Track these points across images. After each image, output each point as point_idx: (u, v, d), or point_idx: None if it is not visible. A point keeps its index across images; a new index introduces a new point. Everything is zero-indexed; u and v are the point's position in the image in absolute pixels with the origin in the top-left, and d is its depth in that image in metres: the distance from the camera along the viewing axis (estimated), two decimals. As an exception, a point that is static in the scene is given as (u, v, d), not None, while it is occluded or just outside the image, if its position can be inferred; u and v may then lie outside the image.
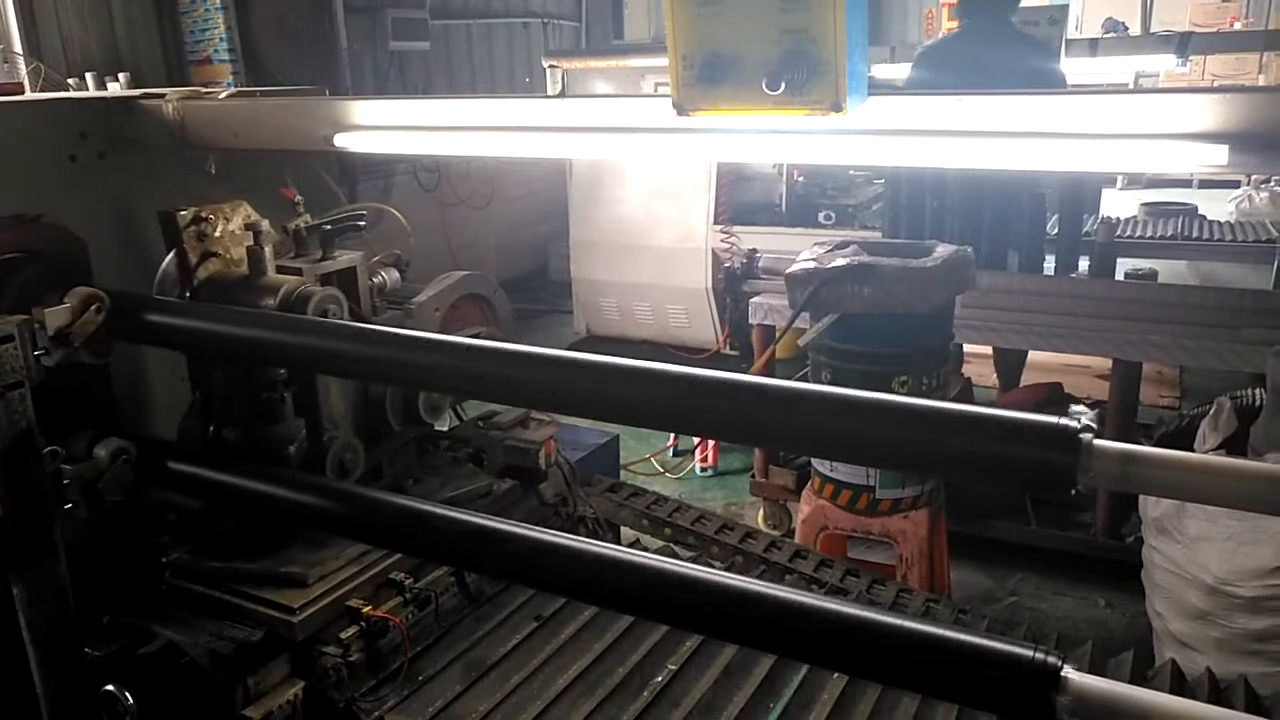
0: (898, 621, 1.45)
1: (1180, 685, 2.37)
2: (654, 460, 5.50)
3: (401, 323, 2.53)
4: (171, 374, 2.49)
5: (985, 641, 1.38)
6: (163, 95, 2.51)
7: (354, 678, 2.14)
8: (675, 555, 2.73)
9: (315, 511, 2.05)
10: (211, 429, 2.41)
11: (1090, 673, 1.32)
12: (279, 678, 2.12)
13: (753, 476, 4.79)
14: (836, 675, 2.24)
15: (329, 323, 2.20)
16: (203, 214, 2.39)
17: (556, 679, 2.22)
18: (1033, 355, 5.30)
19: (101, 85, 5.42)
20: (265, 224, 2.40)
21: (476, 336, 2.03)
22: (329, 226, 2.48)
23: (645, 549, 2.55)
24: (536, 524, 1.89)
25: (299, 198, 2.53)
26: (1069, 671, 1.30)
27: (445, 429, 2.88)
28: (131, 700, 2.07)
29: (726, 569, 2.38)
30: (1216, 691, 2.37)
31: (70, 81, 5.75)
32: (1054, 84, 4.65)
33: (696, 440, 5.46)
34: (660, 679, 2.24)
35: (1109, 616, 3.99)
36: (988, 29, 4.79)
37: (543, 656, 2.29)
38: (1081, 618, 3.99)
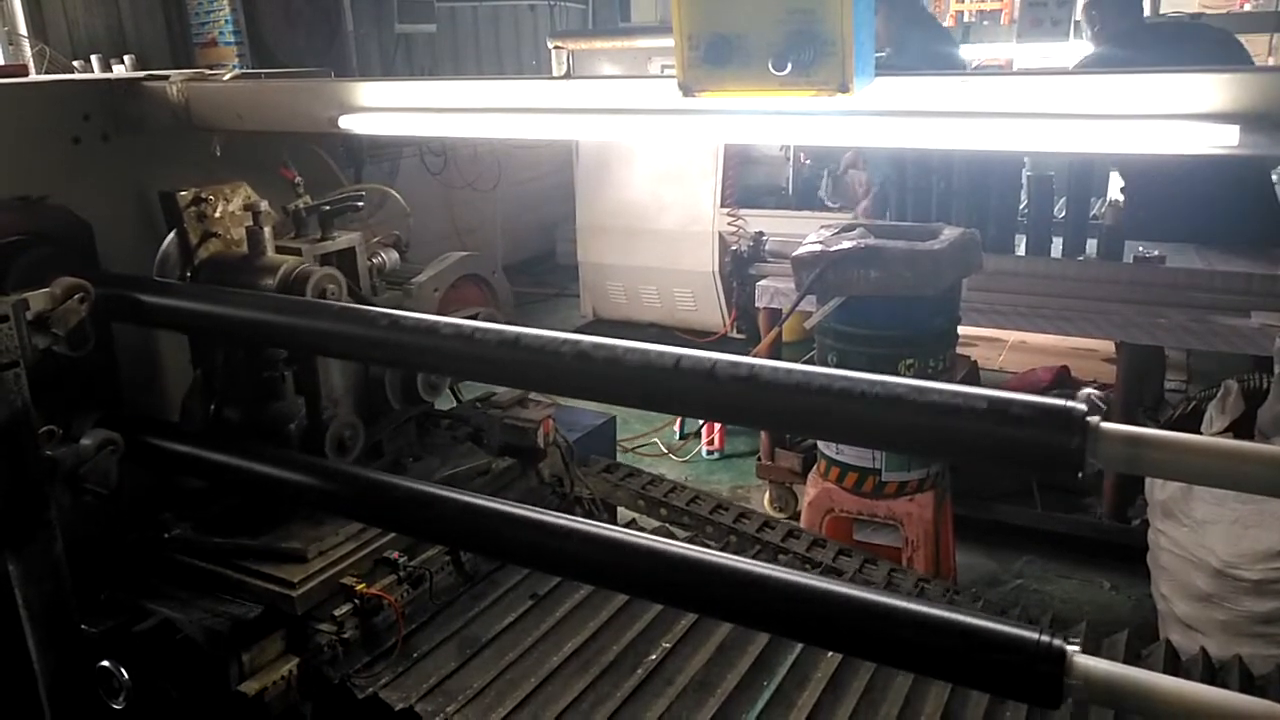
0: (905, 604, 1.45)
1: (1175, 664, 2.38)
2: (660, 443, 5.51)
3: (400, 303, 2.53)
4: (181, 353, 2.50)
5: (992, 624, 1.38)
6: (167, 77, 2.50)
7: (348, 654, 2.16)
8: (671, 536, 2.74)
9: (313, 492, 2.06)
10: (213, 407, 2.42)
11: (1085, 653, 1.33)
12: (274, 654, 2.13)
13: (759, 459, 4.79)
14: (830, 654, 2.25)
15: (325, 304, 2.21)
16: (203, 195, 2.40)
17: (551, 656, 2.24)
18: (1040, 338, 5.29)
19: (107, 67, 5.42)
20: (264, 205, 2.40)
21: (475, 317, 2.03)
22: (328, 207, 2.49)
23: (642, 529, 2.56)
24: (534, 503, 1.90)
25: (298, 178, 2.53)
26: (1075, 654, 1.30)
27: (445, 409, 2.89)
28: (127, 676, 2.09)
29: (721, 549, 2.39)
30: (1211, 670, 2.38)
31: (75, 64, 5.76)
32: (954, 66, 4.86)
33: (703, 423, 5.46)
34: (654, 657, 2.25)
35: (1114, 599, 3.99)
36: (897, 5, 5.01)
37: (537, 634, 2.31)
38: (1086, 600, 3.99)
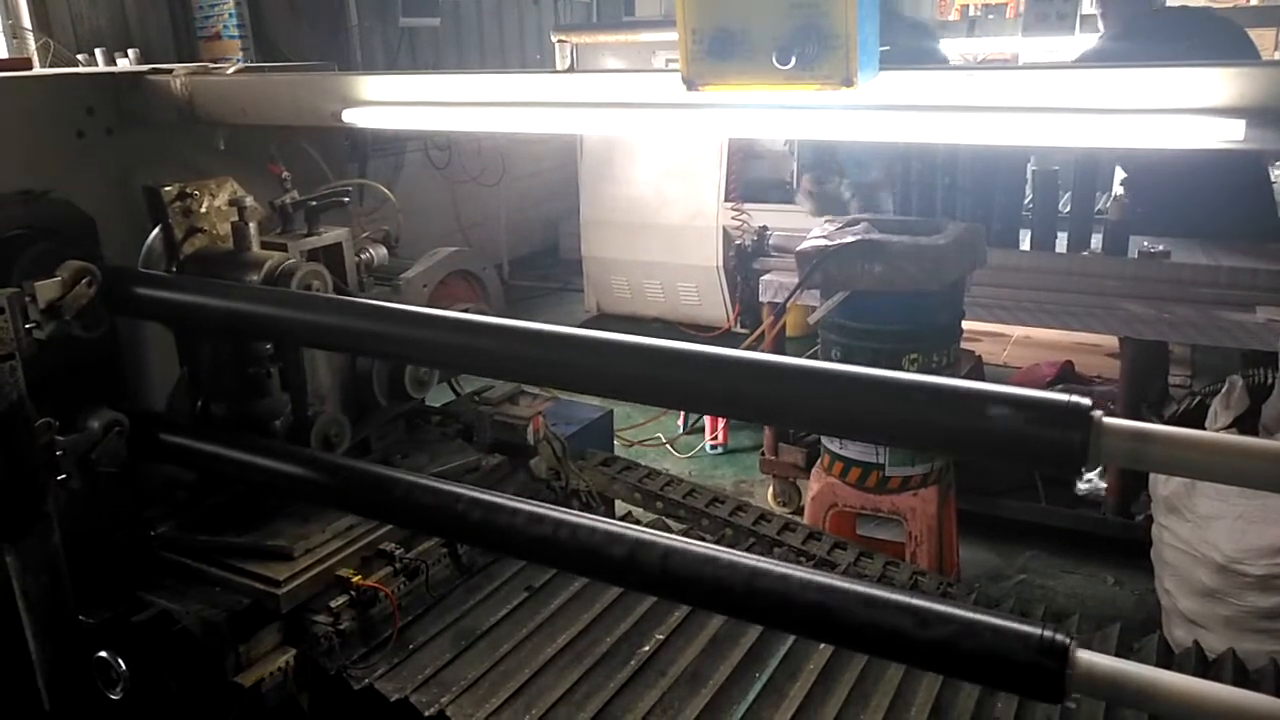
0: (906, 599, 1.45)
1: (1168, 658, 2.39)
2: (663, 438, 5.51)
3: (389, 299, 2.54)
4: (169, 349, 2.50)
5: (995, 619, 1.38)
6: (170, 71, 2.50)
7: (345, 646, 2.17)
8: (667, 529, 2.75)
9: (304, 483, 2.08)
10: (199, 404, 2.42)
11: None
12: (270, 645, 2.14)
13: (762, 454, 4.79)
14: (822, 646, 2.26)
15: (314, 295, 2.22)
16: (188, 190, 2.40)
17: (545, 647, 2.25)
18: (1044, 333, 5.28)
19: (111, 61, 5.42)
20: (250, 200, 2.40)
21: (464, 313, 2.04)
22: (314, 203, 2.49)
23: (638, 522, 2.57)
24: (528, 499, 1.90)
25: (286, 174, 2.53)
26: (1078, 649, 1.30)
27: (439, 404, 2.89)
28: (124, 667, 2.10)
29: (717, 542, 2.40)
30: (1204, 664, 2.38)
31: (79, 57, 5.75)
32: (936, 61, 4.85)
33: (707, 418, 5.46)
34: (648, 648, 2.27)
35: (1118, 594, 3.99)
36: None
37: (532, 626, 2.32)
38: (1090, 595, 3.99)
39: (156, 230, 2.39)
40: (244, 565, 2.20)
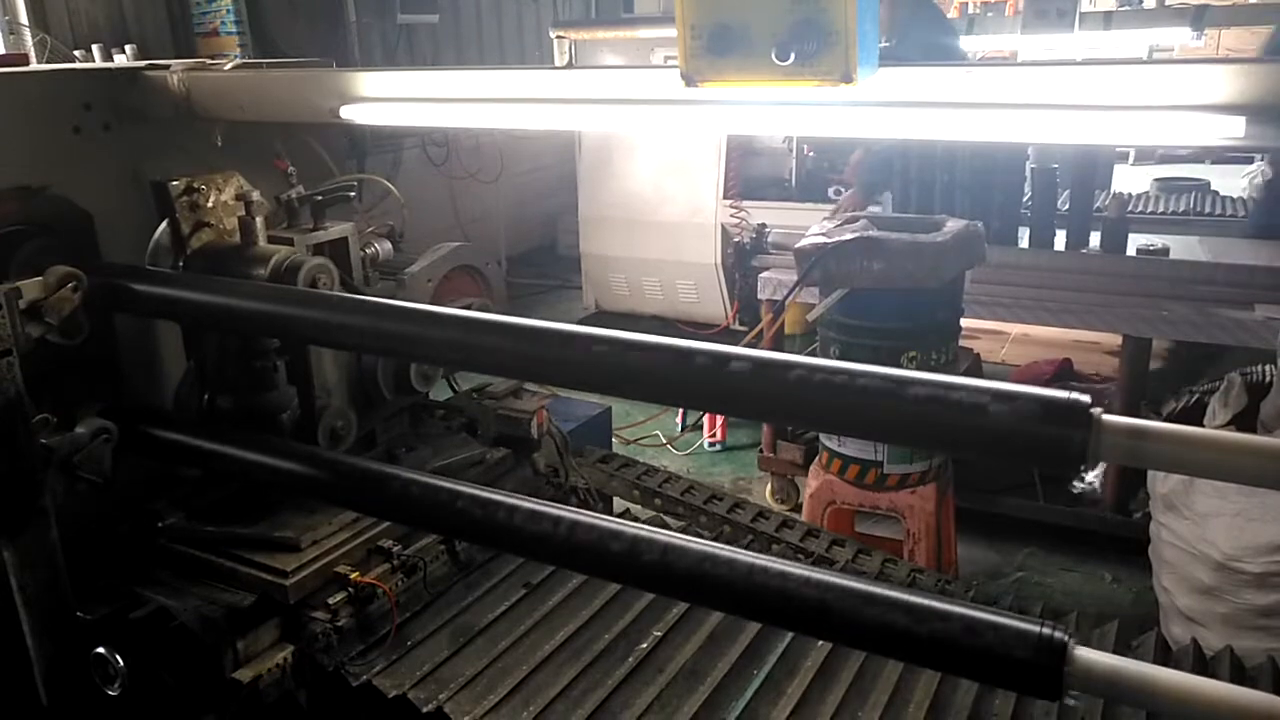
0: (905, 596, 1.45)
1: (1165, 655, 2.39)
2: (661, 435, 5.51)
3: (394, 293, 2.55)
4: (177, 343, 2.50)
5: (993, 617, 1.38)
6: (168, 67, 2.49)
7: (343, 642, 2.17)
8: (665, 526, 2.74)
9: (304, 479, 2.08)
10: (206, 397, 2.42)
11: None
12: (268, 642, 2.14)
13: (760, 451, 4.79)
14: (820, 643, 2.26)
15: (316, 293, 2.21)
16: (195, 184, 2.39)
17: (543, 644, 2.25)
18: (1043, 331, 5.28)
19: (108, 57, 5.41)
20: (256, 194, 2.40)
21: (468, 308, 2.04)
22: (320, 197, 2.50)
23: (635, 519, 2.56)
24: (529, 494, 1.90)
25: (291, 169, 2.53)
26: (1076, 647, 1.30)
27: (441, 399, 2.90)
28: (122, 662, 2.10)
29: (715, 539, 2.40)
30: (1201, 661, 2.38)
31: (76, 53, 5.74)
32: (954, 58, 4.79)
33: (705, 415, 5.45)
34: (645, 645, 2.26)
35: (1116, 592, 3.99)
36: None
37: (530, 622, 2.32)
38: (1088, 593, 3.99)
39: (163, 225, 2.39)
40: (251, 556, 2.20)
